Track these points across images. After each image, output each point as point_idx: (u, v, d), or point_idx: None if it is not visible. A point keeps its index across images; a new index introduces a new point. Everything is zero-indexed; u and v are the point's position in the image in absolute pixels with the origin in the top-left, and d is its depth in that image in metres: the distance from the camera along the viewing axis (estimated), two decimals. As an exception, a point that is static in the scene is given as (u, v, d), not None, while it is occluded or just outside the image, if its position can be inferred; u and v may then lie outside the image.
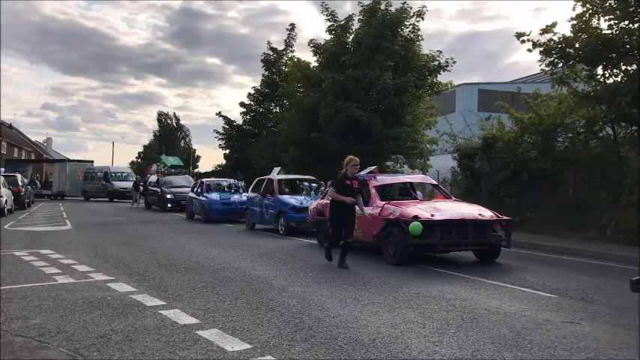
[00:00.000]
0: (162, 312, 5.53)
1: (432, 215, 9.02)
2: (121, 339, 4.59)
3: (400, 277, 7.78)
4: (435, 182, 12.58)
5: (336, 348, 4.42)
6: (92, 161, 42.93)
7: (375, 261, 9.48)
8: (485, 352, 4.39)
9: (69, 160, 41.53)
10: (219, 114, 35.56)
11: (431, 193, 14.99)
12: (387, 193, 11.26)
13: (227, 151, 35.96)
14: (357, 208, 8.99)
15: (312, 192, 15.15)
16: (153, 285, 7.03)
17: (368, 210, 9.88)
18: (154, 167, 33.81)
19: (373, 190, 10.30)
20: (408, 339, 4.71)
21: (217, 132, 35.11)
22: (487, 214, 9.55)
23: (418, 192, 11.64)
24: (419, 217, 8.80)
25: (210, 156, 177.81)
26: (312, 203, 12.76)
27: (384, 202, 9.91)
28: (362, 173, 11.52)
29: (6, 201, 20.01)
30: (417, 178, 13.12)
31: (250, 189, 17.73)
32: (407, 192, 11.57)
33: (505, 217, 9.73)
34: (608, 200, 12.99)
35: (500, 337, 4.81)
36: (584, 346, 4.58)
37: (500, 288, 7.10)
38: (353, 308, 5.82)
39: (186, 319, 5.26)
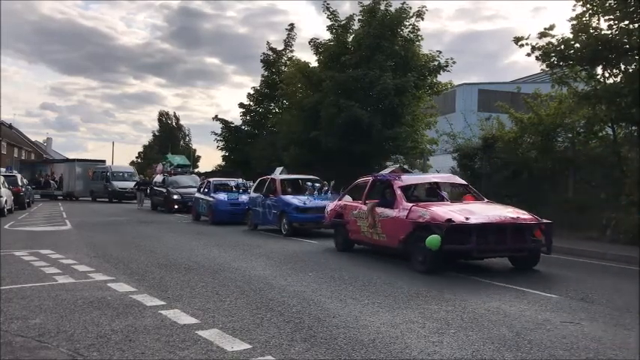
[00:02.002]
0: (162, 312, 5.53)
1: (467, 218, 8.07)
2: (121, 339, 4.59)
3: (400, 278, 7.78)
4: (464, 182, 11.21)
5: (336, 348, 4.42)
6: (104, 161, 42.14)
7: (375, 261, 9.49)
8: (485, 352, 4.39)
9: (79, 160, 41.10)
10: (215, 117, 34.76)
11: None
12: (412, 193, 10.42)
13: (226, 153, 35.74)
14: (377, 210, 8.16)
15: (316, 192, 15.00)
16: (153, 285, 7.04)
17: (393, 212, 9.11)
18: (160, 167, 32.02)
19: (399, 191, 9.43)
20: (408, 339, 4.71)
21: (215, 133, 34.88)
22: (526, 216, 8.62)
23: (443, 192, 10.83)
24: (453, 221, 7.92)
25: (211, 156, 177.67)
26: (329, 204, 11.98)
27: (411, 204, 8.95)
28: (383, 173, 11.03)
29: (6, 201, 20.03)
30: (444, 177, 12.11)
31: (252, 189, 17.42)
32: (434, 192, 10.63)
33: (545, 220, 8.68)
34: (608, 200, 12.99)
35: (500, 337, 4.81)
36: (584, 346, 4.58)
37: (500, 288, 7.10)
38: (353, 308, 5.82)
39: (186, 319, 5.26)
